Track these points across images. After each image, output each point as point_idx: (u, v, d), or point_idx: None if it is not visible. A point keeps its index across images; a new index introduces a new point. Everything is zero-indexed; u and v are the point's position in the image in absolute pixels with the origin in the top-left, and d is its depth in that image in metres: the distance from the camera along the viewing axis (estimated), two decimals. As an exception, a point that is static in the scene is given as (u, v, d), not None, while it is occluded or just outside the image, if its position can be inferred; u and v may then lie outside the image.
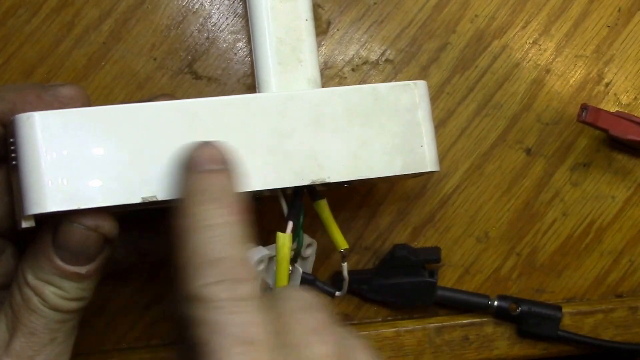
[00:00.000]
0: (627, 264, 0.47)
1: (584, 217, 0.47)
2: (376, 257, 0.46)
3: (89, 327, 0.45)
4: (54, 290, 0.33)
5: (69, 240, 0.32)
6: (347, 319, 0.46)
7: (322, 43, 0.47)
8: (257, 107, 0.34)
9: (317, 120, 0.35)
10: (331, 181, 0.35)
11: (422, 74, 0.47)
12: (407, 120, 0.36)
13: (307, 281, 0.39)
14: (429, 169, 0.36)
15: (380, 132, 0.35)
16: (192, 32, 0.46)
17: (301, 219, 0.37)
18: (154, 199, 0.32)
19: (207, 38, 0.46)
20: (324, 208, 0.38)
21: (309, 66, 0.38)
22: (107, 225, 0.33)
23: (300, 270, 0.39)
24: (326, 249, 0.45)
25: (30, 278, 0.33)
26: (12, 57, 0.46)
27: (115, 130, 0.32)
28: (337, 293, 0.40)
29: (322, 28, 0.47)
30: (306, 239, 0.39)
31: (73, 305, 0.33)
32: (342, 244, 0.38)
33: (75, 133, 0.32)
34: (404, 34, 0.47)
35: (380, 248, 0.46)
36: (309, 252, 0.40)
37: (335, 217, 0.46)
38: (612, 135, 0.44)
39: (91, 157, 0.32)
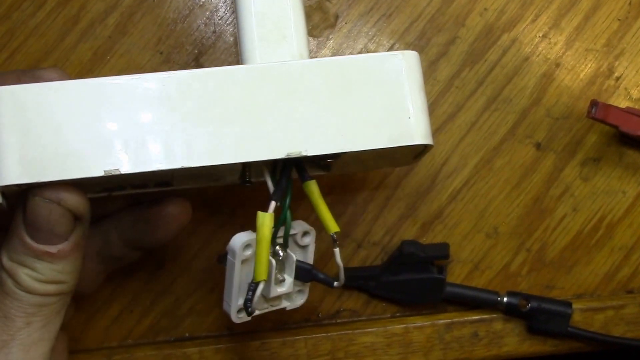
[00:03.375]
0: (637, 260, 0.47)
1: (595, 213, 0.47)
2: (385, 253, 0.46)
3: (94, 323, 0.45)
4: (27, 272, 0.32)
5: (34, 215, 0.32)
6: (355, 316, 0.46)
7: (330, 37, 0.46)
8: (230, 79, 0.33)
9: (294, 92, 0.33)
10: (309, 154, 0.33)
11: (431, 68, 0.46)
12: (393, 92, 0.34)
13: (304, 270, 0.37)
14: (416, 142, 0.34)
15: (364, 103, 0.34)
16: (199, 25, 0.46)
17: (288, 200, 0.35)
18: (117, 172, 0.31)
19: (214, 32, 0.46)
20: (313, 189, 0.36)
21: (295, 42, 0.36)
22: (71, 199, 0.32)
23: (294, 257, 0.37)
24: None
25: (5, 260, 0.33)
26: (17, 51, 0.45)
27: (80, 104, 0.32)
28: (335, 283, 0.37)
29: (330, 22, 0.46)
30: (303, 225, 0.38)
31: (49, 288, 0.33)
32: (332, 227, 0.35)
33: (38, 107, 0.31)
34: (413, 28, 0.46)
35: (389, 244, 0.46)
36: (307, 240, 0.38)
37: (343, 212, 0.46)
38: (623, 132, 0.44)
39: (53, 131, 0.31)
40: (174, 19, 0.46)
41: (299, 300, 0.39)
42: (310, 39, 0.46)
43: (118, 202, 0.39)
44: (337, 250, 0.36)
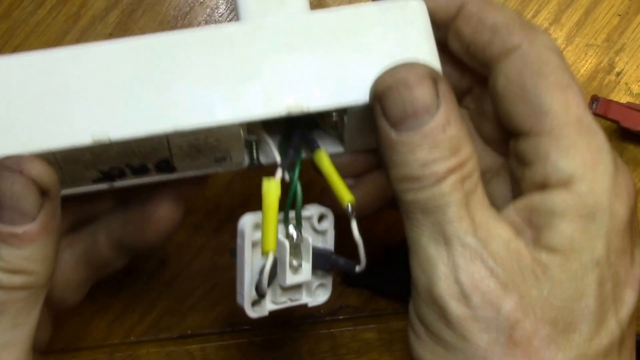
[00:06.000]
0: None
1: (596, 208, 0.46)
2: (387, 249, 0.46)
3: (96, 321, 0.45)
4: None
5: None
6: (357, 312, 0.46)
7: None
8: (224, 37, 0.31)
9: (292, 47, 0.32)
10: (310, 110, 0.31)
11: (431, 64, 0.46)
12: (398, 40, 0.32)
13: (322, 255, 0.34)
14: None
15: (367, 54, 0.32)
16: (199, 23, 0.46)
17: (297, 172, 0.33)
18: (107, 140, 0.30)
19: (215, 29, 0.46)
20: (323, 158, 0.34)
21: (294, 3, 0.34)
22: (35, 168, 0.28)
23: (310, 239, 0.34)
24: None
25: None
26: (18, 50, 0.45)
27: (62, 71, 0.30)
28: (357, 267, 0.34)
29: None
30: (318, 208, 0.35)
31: (15, 280, 0.29)
32: (346, 196, 0.32)
33: (10, 76, 0.30)
34: (413, 24, 0.46)
35: (391, 239, 0.46)
36: (325, 225, 0.35)
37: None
38: (624, 127, 0.44)
39: (32, 99, 0.30)
40: (174, 16, 0.46)
41: (322, 297, 0.36)
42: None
43: (107, 202, 0.37)
44: (354, 223, 0.33)
